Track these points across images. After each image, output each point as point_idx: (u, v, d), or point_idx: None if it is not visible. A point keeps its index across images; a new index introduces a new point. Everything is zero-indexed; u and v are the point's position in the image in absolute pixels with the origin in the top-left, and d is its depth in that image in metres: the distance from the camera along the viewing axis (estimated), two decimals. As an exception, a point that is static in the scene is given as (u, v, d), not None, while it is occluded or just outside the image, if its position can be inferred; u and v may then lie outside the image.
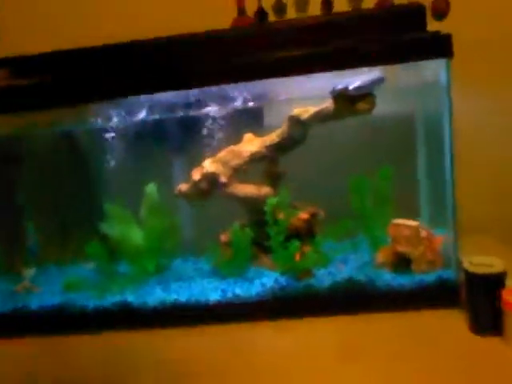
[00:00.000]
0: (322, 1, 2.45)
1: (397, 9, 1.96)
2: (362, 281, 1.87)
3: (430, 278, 1.84)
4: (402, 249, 1.92)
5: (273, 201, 2.00)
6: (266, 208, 1.96)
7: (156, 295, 1.98)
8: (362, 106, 1.77)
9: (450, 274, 1.81)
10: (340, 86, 1.77)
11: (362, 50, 1.72)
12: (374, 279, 1.88)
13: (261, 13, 2.47)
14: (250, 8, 2.46)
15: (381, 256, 1.99)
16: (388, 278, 1.89)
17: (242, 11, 2.51)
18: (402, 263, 1.92)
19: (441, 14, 2.25)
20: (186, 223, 2.39)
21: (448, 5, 2.30)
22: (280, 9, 2.47)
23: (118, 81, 1.88)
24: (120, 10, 2.57)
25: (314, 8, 2.22)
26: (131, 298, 1.98)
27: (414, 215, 2.12)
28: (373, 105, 1.80)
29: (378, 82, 1.90)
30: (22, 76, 1.94)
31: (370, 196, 2.06)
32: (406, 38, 1.75)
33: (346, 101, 1.80)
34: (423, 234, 1.90)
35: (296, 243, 1.95)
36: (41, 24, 2.64)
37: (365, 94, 1.79)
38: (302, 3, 2.43)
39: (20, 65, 1.97)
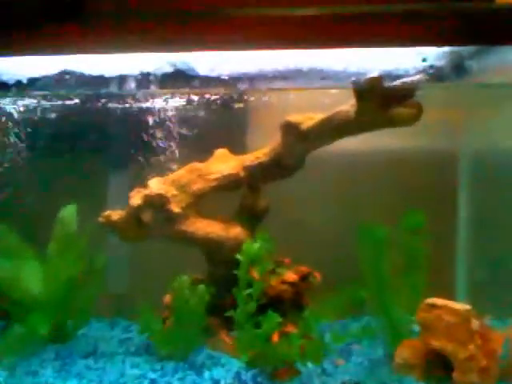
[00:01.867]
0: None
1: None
2: (373, 391, 1.36)
3: (484, 398, 1.34)
4: (438, 345, 1.40)
5: (252, 248, 1.48)
6: (240, 257, 1.48)
7: (42, 378, 1.42)
8: (403, 112, 1.07)
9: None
10: (371, 75, 1.06)
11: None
12: (393, 390, 1.37)
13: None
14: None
15: (404, 353, 1.46)
16: (415, 392, 1.38)
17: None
18: (436, 368, 1.41)
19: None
20: (115, 268, 1.84)
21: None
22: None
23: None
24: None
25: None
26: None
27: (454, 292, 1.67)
28: (418, 112, 1.11)
29: (433, 78, 1.22)
30: None
31: (391, 256, 1.54)
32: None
33: (376, 102, 1.08)
34: (475, 325, 1.40)
35: (275, 318, 1.44)
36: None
37: (407, 95, 1.09)
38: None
39: None
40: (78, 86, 1.41)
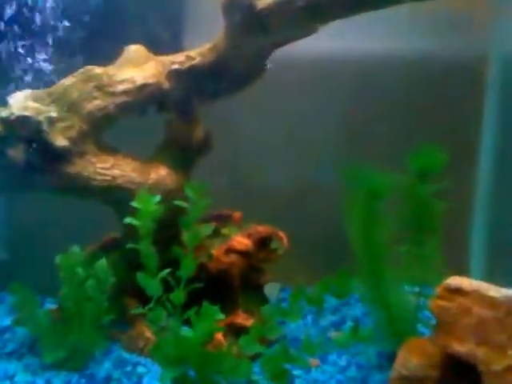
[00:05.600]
0: None
1: None
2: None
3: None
4: (462, 349, 1.09)
5: (148, 201, 1.06)
6: (133, 220, 1.07)
7: None
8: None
9: None
10: None
11: None
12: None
13: None
14: None
15: (410, 359, 1.13)
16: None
17: None
18: (456, 381, 1.10)
19: None
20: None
21: None
22: None
23: None
24: None
25: None
26: None
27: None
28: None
29: None
30: None
31: (391, 214, 1.19)
32: None
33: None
34: (520, 318, 1.13)
35: (214, 313, 1.00)
36: None
37: None
38: None
39: None
40: None
